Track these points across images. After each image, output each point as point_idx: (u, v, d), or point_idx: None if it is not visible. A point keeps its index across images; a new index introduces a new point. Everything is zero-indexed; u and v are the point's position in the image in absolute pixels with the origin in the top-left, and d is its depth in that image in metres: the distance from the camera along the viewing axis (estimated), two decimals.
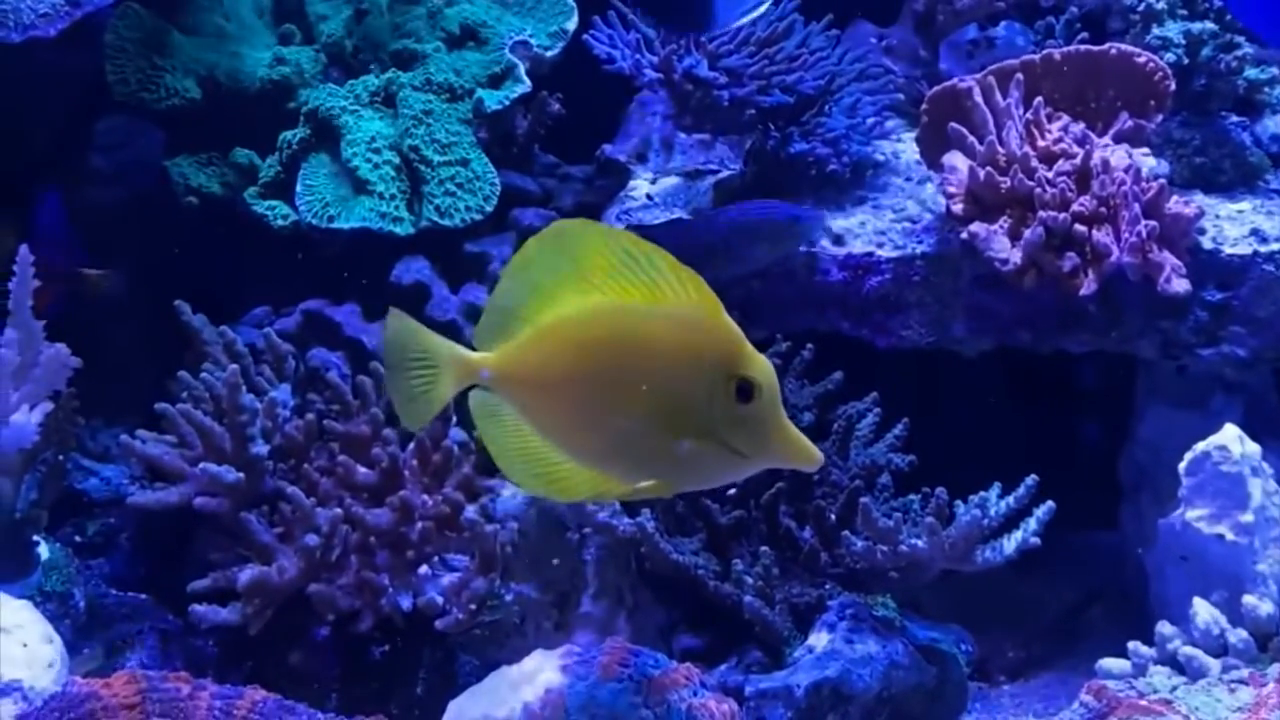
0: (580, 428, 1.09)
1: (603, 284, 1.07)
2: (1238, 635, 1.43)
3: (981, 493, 1.52)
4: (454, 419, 1.61)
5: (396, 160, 1.83)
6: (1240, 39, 1.80)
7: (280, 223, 1.84)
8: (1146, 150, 1.70)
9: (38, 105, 1.83)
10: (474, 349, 1.13)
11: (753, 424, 1.05)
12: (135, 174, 1.90)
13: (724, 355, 1.04)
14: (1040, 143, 1.68)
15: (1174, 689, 1.33)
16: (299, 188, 1.83)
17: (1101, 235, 1.59)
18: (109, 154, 1.90)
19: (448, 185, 1.82)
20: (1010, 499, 1.51)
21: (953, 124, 1.70)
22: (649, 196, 1.80)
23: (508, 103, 1.90)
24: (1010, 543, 1.50)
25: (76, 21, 1.67)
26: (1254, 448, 1.54)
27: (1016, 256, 1.61)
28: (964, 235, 1.65)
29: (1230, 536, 1.52)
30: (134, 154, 1.91)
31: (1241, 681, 1.31)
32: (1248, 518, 1.51)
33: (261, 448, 1.56)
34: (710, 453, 1.06)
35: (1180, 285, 1.58)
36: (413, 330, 1.13)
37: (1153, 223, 1.58)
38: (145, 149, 1.91)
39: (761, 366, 1.05)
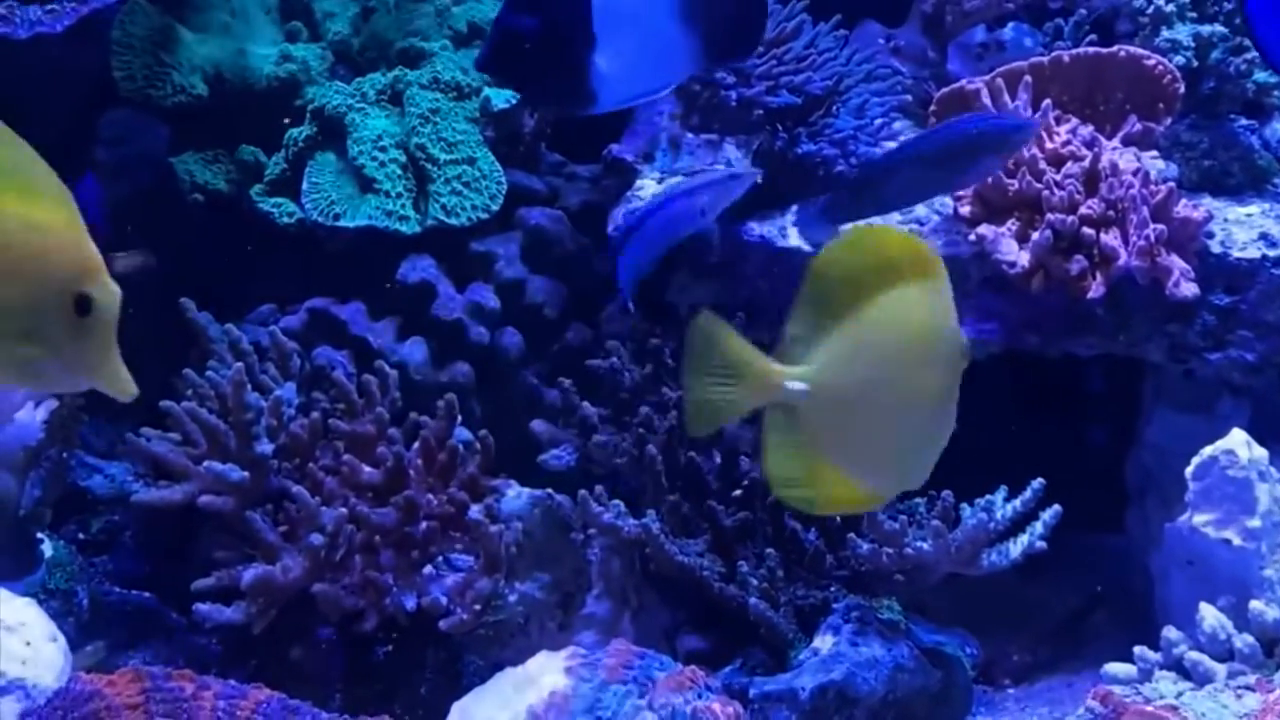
0: (893, 432, 1.06)
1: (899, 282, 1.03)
2: (1244, 640, 1.43)
3: (987, 496, 1.52)
4: (459, 418, 1.60)
5: (403, 159, 1.83)
6: (1249, 42, 1.79)
7: (286, 220, 1.83)
8: (1155, 153, 1.70)
9: (43, 101, 1.82)
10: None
11: None
12: (139, 169, 1.90)
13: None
14: (1048, 145, 1.67)
15: (1180, 694, 1.32)
16: (305, 185, 1.82)
17: (1109, 238, 1.59)
18: (112, 148, 1.89)
19: (454, 184, 1.82)
20: (1016, 502, 1.51)
21: None
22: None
23: (514, 101, 1.90)
24: (1016, 546, 1.50)
25: (83, 17, 1.67)
26: (1261, 452, 1.53)
27: (1024, 259, 1.61)
28: (971, 237, 1.65)
29: (1237, 541, 1.51)
30: (138, 149, 1.91)
31: (1248, 687, 1.30)
32: (1255, 523, 1.51)
33: (266, 446, 1.55)
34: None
35: (1188, 289, 1.57)
36: (721, 334, 1.07)
37: (1161, 226, 1.57)
38: (149, 144, 1.90)
39: None
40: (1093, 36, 1.88)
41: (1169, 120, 1.73)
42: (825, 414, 1.05)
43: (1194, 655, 1.42)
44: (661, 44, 1.39)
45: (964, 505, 1.52)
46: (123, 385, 0.99)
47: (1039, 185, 1.62)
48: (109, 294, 0.98)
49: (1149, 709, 1.27)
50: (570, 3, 1.36)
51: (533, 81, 1.46)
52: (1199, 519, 1.53)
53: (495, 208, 1.83)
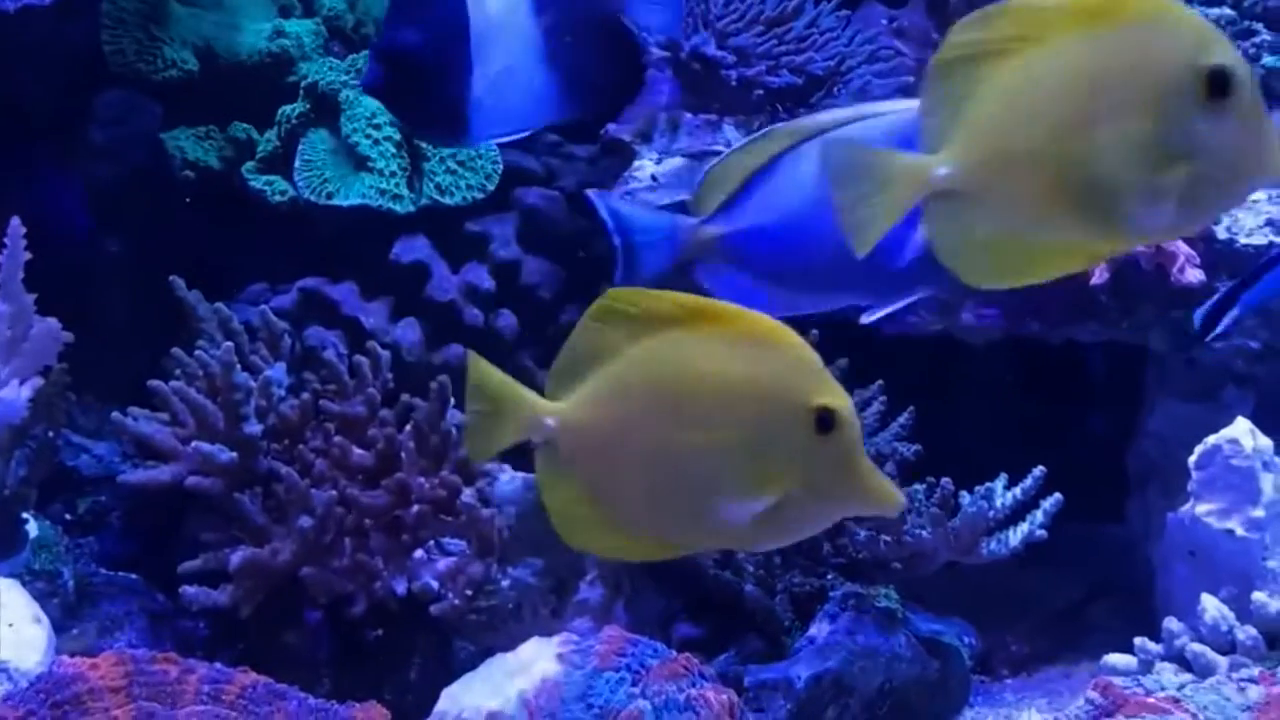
0: (646, 485, 1.02)
1: (671, 334, 1.01)
2: (1246, 632, 1.41)
3: (987, 484, 1.50)
4: (452, 400, 1.58)
5: (397, 136, 1.81)
6: (1258, 26, 1.78)
7: (278, 198, 1.81)
8: None
9: (34, 77, 1.80)
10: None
11: (833, 460, 0.97)
12: (132, 149, 1.88)
13: (802, 384, 0.98)
14: None
15: (1182, 687, 1.30)
16: (297, 163, 1.80)
17: None
18: (106, 129, 1.87)
19: (449, 163, 1.80)
20: (1017, 490, 1.49)
21: None
22: (654, 177, 1.77)
23: None
24: (1016, 535, 1.49)
25: None
26: (1266, 442, 1.52)
27: None
28: None
29: (1240, 532, 1.50)
30: (131, 129, 1.88)
31: (1251, 680, 1.28)
32: (1258, 513, 1.49)
33: (255, 427, 1.53)
34: (788, 500, 0.99)
35: (1194, 275, 1.56)
36: (484, 372, 1.07)
37: None
38: (143, 124, 1.88)
39: (842, 396, 0.98)
40: None
41: None
42: (579, 452, 1.04)
43: (1195, 647, 1.41)
44: (527, 82, 1.37)
45: (963, 493, 1.51)
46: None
47: None
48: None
49: (1150, 700, 1.25)
50: (449, 25, 1.33)
51: (413, 104, 1.43)
52: (1201, 509, 1.52)
53: (491, 187, 1.82)
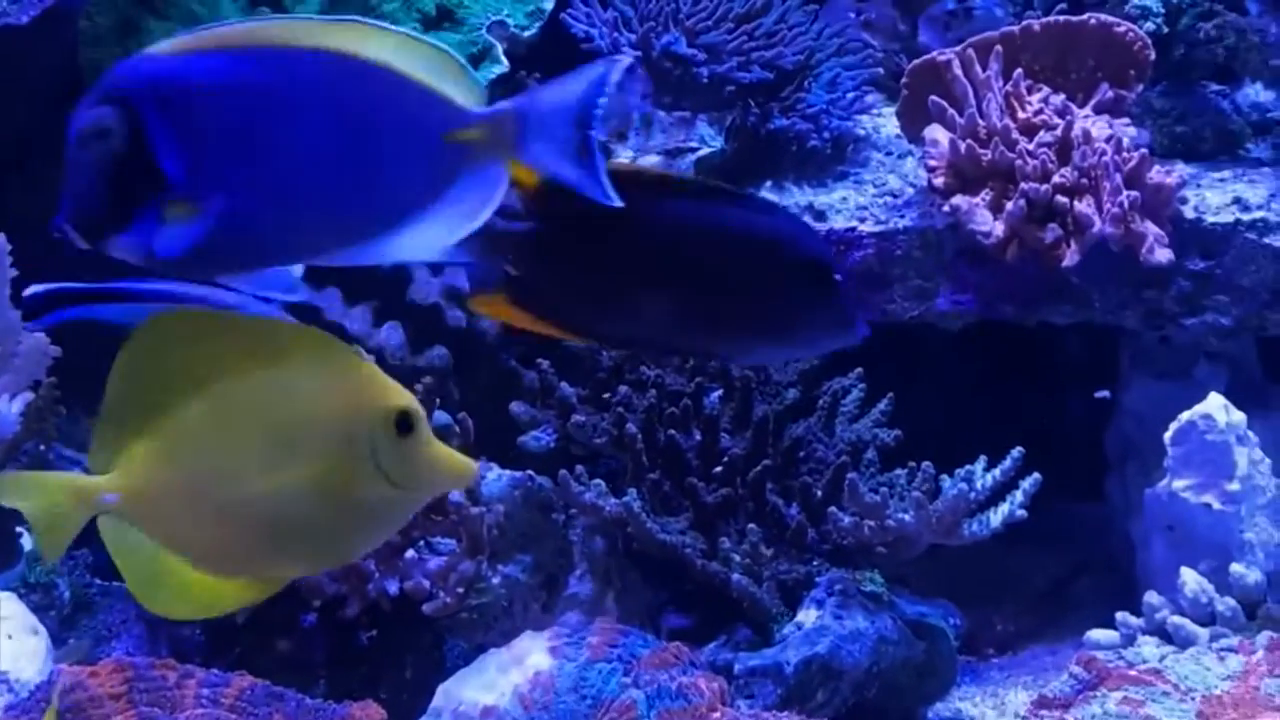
0: (225, 526, 0.99)
1: (220, 368, 0.98)
2: (1225, 604, 1.44)
3: (967, 466, 1.52)
4: (438, 401, 1.60)
5: None
6: (1219, 7, 1.80)
7: None
8: (1127, 120, 1.70)
9: (12, 94, 1.81)
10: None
11: (414, 455, 0.99)
12: None
13: (375, 395, 0.99)
14: (1021, 115, 1.67)
15: (1163, 658, 1.32)
16: None
17: (1083, 206, 1.59)
18: None
19: None
20: (996, 472, 1.50)
21: (933, 97, 1.70)
22: None
23: (485, 84, 1.89)
24: (997, 516, 1.50)
25: (50, 9, 1.65)
26: (1239, 416, 1.54)
27: (998, 229, 1.61)
28: (946, 209, 1.65)
29: (1217, 505, 1.52)
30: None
31: (1231, 649, 1.31)
32: (1234, 486, 1.52)
33: None
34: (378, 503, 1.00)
35: (1163, 255, 1.58)
36: (17, 480, 1.04)
37: (1134, 193, 1.57)
38: None
39: (405, 392, 1.01)
40: (1063, 5, 1.87)
41: (1140, 87, 1.73)
42: (155, 517, 1.00)
43: (1176, 619, 1.43)
44: None
45: (944, 476, 1.52)
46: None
47: (1012, 155, 1.62)
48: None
49: (1132, 673, 1.27)
50: None
51: None
52: (1178, 484, 1.54)
53: None
